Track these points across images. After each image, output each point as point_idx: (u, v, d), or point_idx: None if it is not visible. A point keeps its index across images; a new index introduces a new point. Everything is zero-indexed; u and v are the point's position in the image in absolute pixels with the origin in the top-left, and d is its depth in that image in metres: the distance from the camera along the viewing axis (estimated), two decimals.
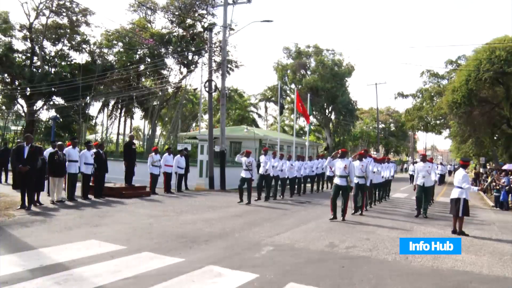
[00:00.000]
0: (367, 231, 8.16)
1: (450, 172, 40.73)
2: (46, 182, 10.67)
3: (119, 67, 26.73)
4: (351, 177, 9.44)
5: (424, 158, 11.07)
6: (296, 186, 15.19)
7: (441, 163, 20.30)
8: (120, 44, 27.44)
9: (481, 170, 28.70)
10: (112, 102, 30.47)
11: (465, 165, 9.04)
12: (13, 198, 9.99)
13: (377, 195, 13.41)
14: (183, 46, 25.31)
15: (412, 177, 20.30)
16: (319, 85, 34.61)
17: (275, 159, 13.18)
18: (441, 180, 23.53)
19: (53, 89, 24.74)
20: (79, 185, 11.26)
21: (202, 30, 25.85)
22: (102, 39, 27.78)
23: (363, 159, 10.98)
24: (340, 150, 9.79)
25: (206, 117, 34.90)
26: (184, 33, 25.67)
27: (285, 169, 13.58)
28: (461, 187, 8.37)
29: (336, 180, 9.42)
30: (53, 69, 27.19)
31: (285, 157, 14.92)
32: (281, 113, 26.06)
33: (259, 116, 47.14)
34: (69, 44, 27.60)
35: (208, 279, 4.66)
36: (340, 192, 9.27)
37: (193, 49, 25.66)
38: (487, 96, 26.55)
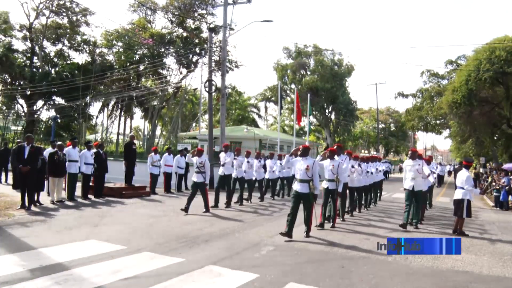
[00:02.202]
0: (367, 232, 8.16)
1: (449, 173, 40.74)
2: (46, 182, 10.68)
3: (119, 67, 26.74)
4: (314, 182, 7.01)
5: (413, 155, 8.82)
6: (266, 188, 13.38)
7: (440, 163, 20.06)
8: (120, 44, 27.45)
9: (481, 170, 28.67)
10: (112, 102, 30.50)
11: (468, 165, 9.01)
12: (13, 198, 10.00)
13: (364, 199, 11.48)
14: (185, 47, 25.33)
15: None
16: (319, 85, 34.62)
17: (239, 157, 11.59)
18: (440, 181, 23.06)
19: (53, 89, 24.75)
20: (79, 185, 11.26)
21: (203, 30, 25.87)
22: (102, 39, 27.81)
23: (335, 156, 8.74)
24: (302, 147, 7.49)
25: (206, 117, 34.90)
26: (186, 34, 25.68)
27: (248, 169, 11.82)
28: (464, 188, 8.37)
29: (296, 186, 7.16)
30: (53, 69, 27.21)
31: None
32: (281, 113, 26.02)
33: (259, 116, 47.17)
34: (69, 44, 27.62)
35: (208, 279, 4.66)
36: (302, 202, 7.14)
37: (194, 49, 25.68)
38: (487, 96, 26.56)
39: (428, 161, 11.54)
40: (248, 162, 11.85)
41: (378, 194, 13.69)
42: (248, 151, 12.50)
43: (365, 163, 11.22)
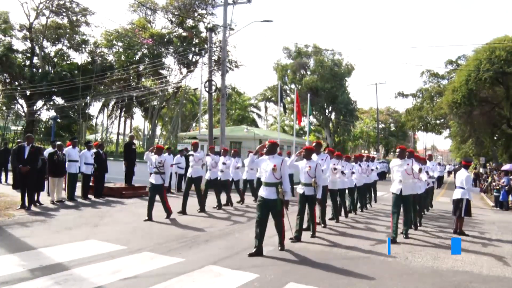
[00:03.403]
0: (367, 232, 8.16)
1: (449, 173, 40.73)
2: (46, 182, 10.69)
3: (119, 67, 26.75)
4: (284, 185, 5.81)
5: (401, 153, 7.41)
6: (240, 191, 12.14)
7: (439, 163, 19.70)
8: (120, 44, 27.46)
9: (481, 170, 28.68)
10: (112, 102, 30.52)
11: (467, 165, 9.01)
12: (13, 198, 10.00)
13: (350, 202, 10.38)
14: (185, 47, 25.34)
15: None
16: (319, 85, 34.61)
17: (214, 156, 10.50)
18: (439, 182, 22.17)
19: (53, 89, 24.76)
20: (79, 185, 11.26)
21: (202, 30, 25.89)
22: (102, 39, 27.82)
23: (314, 156, 7.46)
24: (268, 142, 6.10)
25: (206, 117, 34.90)
26: (186, 34, 25.69)
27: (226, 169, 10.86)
28: (463, 188, 8.37)
29: (262, 192, 5.94)
30: (53, 69, 27.21)
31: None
32: (283, 112, 26.02)
33: (259, 116, 47.15)
34: (69, 44, 27.63)
35: (208, 279, 4.66)
36: (270, 211, 5.94)
37: (193, 49, 25.70)
38: (487, 96, 26.56)
39: (425, 160, 10.75)
40: (224, 164, 10.71)
41: (372, 196, 12.76)
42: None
43: (354, 163, 10.52)
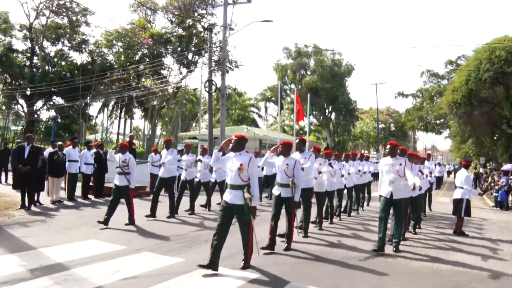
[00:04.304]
0: (367, 233, 8.15)
1: (449, 173, 40.72)
2: (46, 182, 10.68)
3: (119, 67, 26.76)
4: (251, 188, 4.92)
5: (392, 150, 6.46)
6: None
7: (438, 163, 19.34)
8: (120, 44, 27.47)
9: (481, 170, 28.69)
10: (112, 102, 30.53)
11: (467, 165, 9.02)
12: (13, 198, 9.99)
13: (338, 205, 9.44)
14: (183, 46, 25.34)
15: None
16: (319, 85, 34.62)
17: (189, 155, 9.93)
18: (439, 183, 21.61)
19: (53, 89, 24.77)
20: (79, 185, 11.26)
21: (202, 30, 25.90)
22: (102, 39, 27.82)
23: (297, 153, 6.91)
24: (235, 136, 5.21)
25: (206, 117, 34.90)
26: (184, 33, 25.70)
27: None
28: (463, 188, 8.38)
29: (226, 196, 5.08)
30: (53, 69, 27.22)
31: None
32: (281, 113, 26.02)
33: (259, 116, 47.17)
34: (69, 44, 27.63)
35: (208, 279, 4.66)
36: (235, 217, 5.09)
37: (193, 49, 25.70)
38: (487, 96, 26.57)
39: (424, 159, 10.29)
40: (200, 161, 9.99)
41: (366, 199, 11.82)
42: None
43: (344, 162, 9.67)
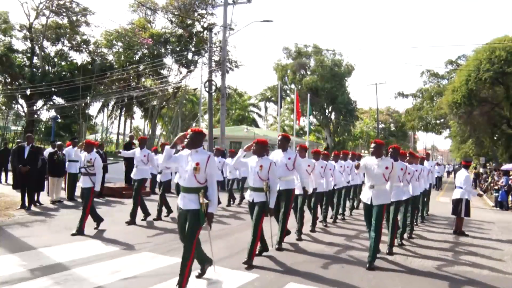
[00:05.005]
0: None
1: (448, 173, 40.72)
2: (46, 182, 10.69)
3: (119, 67, 26.76)
4: (209, 192, 4.25)
5: (377, 149, 5.62)
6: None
7: (437, 163, 19.00)
8: (120, 44, 27.47)
9: (481, 170, 28.71)
10: (112, 102, 30.52)
11: (467, 165, 9.02)
12: (13, 198, 9.99)
13: (323, 209, 8.52)
14: (182, 46, 25.34)
15: None
16: (319, 85, 34.61)
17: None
18: (438, 183, 21.45)
19: (53, 89, 24.77)
20: (79, 185, 11.25)
21: (201, 29, 25.90)
22: (102, 39, 27.82)
23: (281, 152, 6.26)
24: (196, 130, 4.41)
25: (206, 117, 34.89)
26: (184, 33, 25.70)
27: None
28: (462, 188, 8.38)
29: (179, 201, 4.34)
30: (53, 69, 27.22)
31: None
32: (280, 113, 26.03)
33: (259, 116, 47.16)
34: (69, 44, 27.63)
35: (208, 279, 4.66)
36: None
37: (193, 48, 25.70)
38: (487, 96, 26.58)
39: (422, 159, 9.57)
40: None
41: (353, 202, 10.74)
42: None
43: (333, 162, 8.93)
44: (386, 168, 5.53)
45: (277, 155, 6.31)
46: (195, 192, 4.19)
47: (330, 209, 8.98)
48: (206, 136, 4.70)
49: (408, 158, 7.59)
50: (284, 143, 6.37)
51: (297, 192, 6.71)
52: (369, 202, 5.59)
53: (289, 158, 6.22)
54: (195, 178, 4.20)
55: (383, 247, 6.33)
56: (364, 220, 5.93)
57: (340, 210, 9.50)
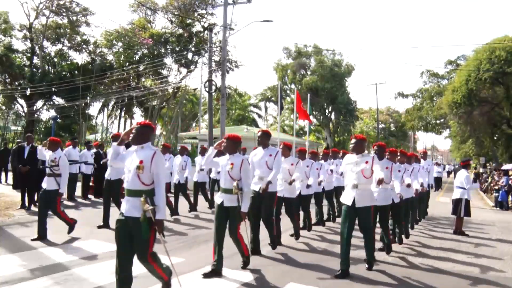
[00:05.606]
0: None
1: (448, 173, 40.71)
2: None
3: (119, 67, 26.76)
4: (156, 197, 3.61)
5: (359, 146, 5.19)
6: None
7: (436, 163, 18.65)
8: (120, 44, 27.47)
9: (481, 170, 28.72)
10: (112, 102, 30.51)
11: (466, 165, 9.00)
12: (13, 198, 10.00)
13: (305, 216, 7.69)
14: (182, 46, 25.34)
15: None
16: (319, 85, 34.62)
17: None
18: (438, 184, 21.12)
19: (53, 89, 24.77)
20: (79, 185, 11.27)
21: (201, 29, 25.91)
22: (102, 39, 27.82)
23: (259, 150, 5.81)
24: (144, 123, 3.85)
25: (206, 117, 34.90)
26: (183, 32, 25.70)
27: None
28: (462, 188, 8.39)
29: (123, 206, 3.75)
30: (53, 69, 27.22)
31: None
32: (280, 113, 26.04)
33: (259, 116, 47.15)
34: (69, 44, 27.63)
35: (208, 279, 4.66)
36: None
37: (193, 49, 25.70)
38: (487, 96, 26.60)
39: (416, 157, 8.89)
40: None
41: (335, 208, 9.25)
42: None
43: (322, 162, 8.32)
44: (366, 163, 5.04)
45: (257, 152, 5.82)
46: (137, 196, 3.58)
47: (321, 211, 8.52)
48: (154, 131, 3.93)
49: (399, 157, 6.92)
50: (264, 139, 5.87)
51: (285, 194, 6.43)
52: (350, 204, 5.01)
53: (270, 155, 5.69)
54: (139, 178, 3.60)
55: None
56: (341, 225, 5.13)
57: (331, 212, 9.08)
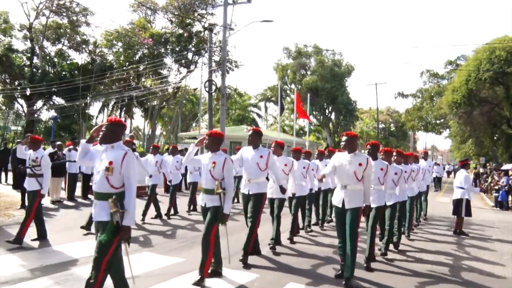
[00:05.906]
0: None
1: (449, 173, 40.70)
2: None
3: (119, 67, 26.76)
4: (126, 198, 3.37)
5: (350, 143, 4.85)
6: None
7: (436, 163, 18.61)
8: (120, 44, 27.48)
9: (481, 170, 28.71)
10: (112, 102, 30.51)
11: (464, 165, 8.98)
12: (13, 198, 10.00)
13: (292, 220, 6.94)
14: (182, 46, 25.34)
15: None
16: (319, 85, 34.64)
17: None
18: (438, 184, 21.25)
19: (53, 89, 24.77)
20: (79, 185, 11.27)
21: (201, 29, 25.92)
22: (102, 39, 27.83)
23: (247, 149, 5.52)
24: (109, 120, 3.61)
25: (206, 117, 34.91)
26: (183, 32, 25.71)
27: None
28: (462, 188, 8.38)
29: (92, 208, 3.54)
30: (53, 69, 27.22)
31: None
32: (281, 113, 26.04)
33: (259, 116, 47.15)
34: (69, 44, 27.63)
35: (208, 279, 4.66)
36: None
37: (193, 49, 25.71)
38: (487, 96, 26.60)
39: (416, 157, 8.62)
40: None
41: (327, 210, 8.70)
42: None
43: (316, 161, 8.03)
44: (360, 165, 4.70)
45: (247, 152, 5.47)
46: (106, 199, 3.33)
47: (316, 213, 8.32)
48: (125, 129, 3.83)
49: (395, 157, 6.52)
50: (255, 138, 5.46)
51: (274, 196, 6.19)
52: (340, 205, 4.78)
53: (261, 156, 5.37)
54: (108, 181, 3.36)
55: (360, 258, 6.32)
56: (336, 227, 4.96)
57: (328, 213, 8.77)
